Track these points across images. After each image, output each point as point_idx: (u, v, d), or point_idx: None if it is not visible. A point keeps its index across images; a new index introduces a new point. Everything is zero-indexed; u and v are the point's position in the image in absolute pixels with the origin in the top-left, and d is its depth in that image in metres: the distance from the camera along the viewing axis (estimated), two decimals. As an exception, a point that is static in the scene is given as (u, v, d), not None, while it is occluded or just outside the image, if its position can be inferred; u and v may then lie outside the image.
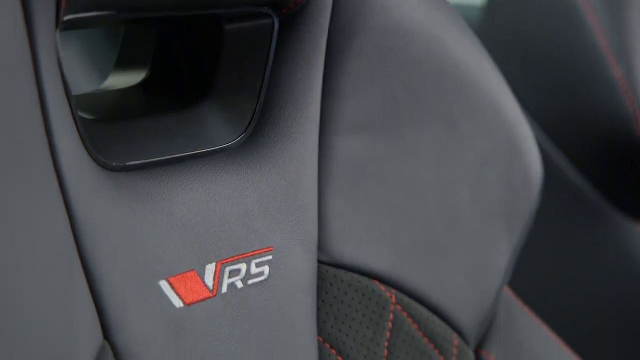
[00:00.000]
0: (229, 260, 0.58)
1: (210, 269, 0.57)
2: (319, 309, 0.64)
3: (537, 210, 0.91)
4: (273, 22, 0.62)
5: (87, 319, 0.50)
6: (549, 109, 1.11)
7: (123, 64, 0.64)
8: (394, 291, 0.67)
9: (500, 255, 0.73)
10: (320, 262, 0.64)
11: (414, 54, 0.68)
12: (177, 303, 0.55)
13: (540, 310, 0.87)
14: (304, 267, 0.62)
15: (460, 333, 0.70)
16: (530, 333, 0.76)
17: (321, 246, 0.64)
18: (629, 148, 1.08)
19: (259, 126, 0.62)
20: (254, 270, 0.59)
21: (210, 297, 0.57)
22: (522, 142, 0.74)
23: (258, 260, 0.60)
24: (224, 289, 0.57)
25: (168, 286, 0.54)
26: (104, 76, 0.65)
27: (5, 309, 0.45)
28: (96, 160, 0.53)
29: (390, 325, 0.67)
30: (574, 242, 1.14)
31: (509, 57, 1.09)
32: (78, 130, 0.52)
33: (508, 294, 0.77)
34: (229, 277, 0.58)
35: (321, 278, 0.64)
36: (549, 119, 1.11)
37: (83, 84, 0.61)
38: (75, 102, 0.52)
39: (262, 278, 0.60)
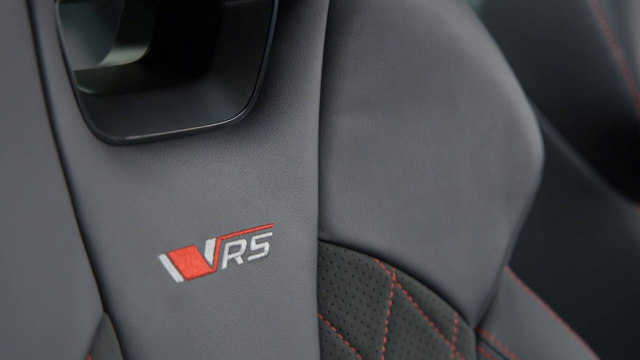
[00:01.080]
0: (229, 236, 0.58)
1: (210, 244, 0.57)
2: (318, 287, 0.64)
3: (538, 193, 0.91)
4: (273, -1, 0.62)
5: (87, 291, 0.50)
6: (549, 93, 1.11)
7: (123, 40, 0.64)
8: (394, 269, 0.67)
9: (500, 234, 0.73)
10: (320, 239, 0.64)
11: (413, 31, 0.67)
12: (177, 277, 0.55)
13: (540, 292, 0.87)
14: (304, 244, 0.62)
15: (460, 312, 0.70)
16: (530, 312, 0.75)
17: (321, 224, 0.64)
18: (629, 131, 1.08)
19: (258, 103, 0.62)
20: (254, 246, 0.59)
21: (210, 273, 0.57)
22: (522, 120, 0.74)
23: (258, 237, 0.60)
24: (224, 265, 0.57)
25: (168, 260, 0.54)
26: (103, 54, 0.65)
27: (4, 280, 0.45)
28: (95, 134, 0.53)
29: (390, 303, 0.67)
30: (573, 225, 1.14)
31: (509, 40, 1.09)
32: (77, 103, 0.52)
33: (508, 274, 0.77)
34: (229, 253, 0.58)
35: (321, 256, 0.64)
36: (549, 102, 1.11)
37: (82, 61, 0.61)
38: (75, 77, 0.52)
39: (262, 254, 0.60)
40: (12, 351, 0.44)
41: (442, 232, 0.69)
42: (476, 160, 0.71)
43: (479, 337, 0.73)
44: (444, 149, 0.69)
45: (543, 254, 1.15)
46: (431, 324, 0.69)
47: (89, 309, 0.50)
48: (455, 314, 0.70)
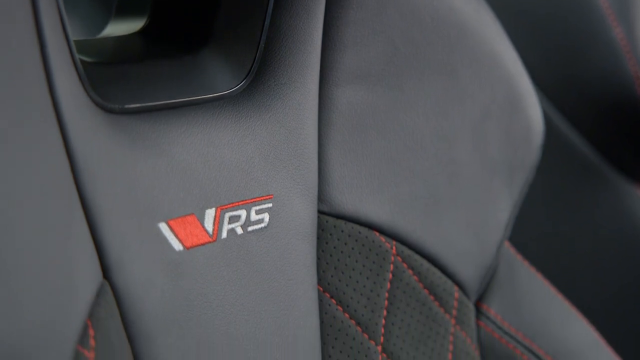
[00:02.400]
0: (229, 206, 0.58)
1: (210, 213, 0.57)
2: (318, 259, 0.64)
3: (538, 172, 0.91)
4: (273, -31, 0.62)
5: (86, 256, 0.50)
6: (549, 71, 1.10)
7: (122, 12, 0.64)
8: (394, 242, 0.67)
9: (500, 208, 0.72)
10: (320, 212, 0.64)
11: (413, 4, 0.67)
12: (177, 246, 0.55)
13: (540, 271, 0.87)
14: (304, 216, 0.62)
15: (460, 285, 0.70)
16: (531, 287, 0.75)
17: (321, 196, 0.64)
18: (629, 109, 1.07)
19: (258, 74, 0.62)
20: (254, 217, 0.59)
21: (209, 242, 0.57)
22: (523, 94, 0.74)
23: (258, 207, 0.59)
24: (224, 234, 0.57)
25: (167, 228, 0.54)
26: (103, 26, 0.65)
27: (3, 245, 0.45)
28: (95, 101, 0.53)
29: (390, 276, 0.66)
30: (573, 204, 1.14)
31: (509, 16, 1.09)
32: (77, 70, 0.52)
33: (509, 249, 0.77)
34: (229, 223, 0.58)
35: (321, 228, 0.64)
36: (548, 81, 1.10)
37: (81, 32, 0.61)
38: (74, 46, 0.52)
39: (262, 225, 0.60)
40: (11, 314, 0.44)
41: (442, 205, 0.69)
42: (477, 134, 0.71)
43: (479, 312, 0.73)
44: (444, 123, 0.69)
45: (543, 233, 1.14)
46: (431, 298, 0.68)
47: (89, 274, 0.50)
48: (456, 287, 0.70)
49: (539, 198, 1.13)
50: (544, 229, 1.15)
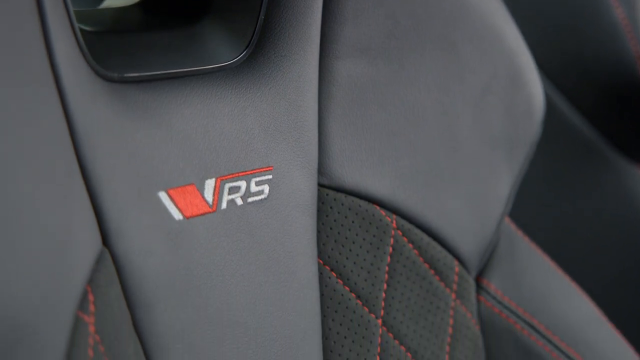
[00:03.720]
0: (229, 176, 0.58)
1: (210, 184, 0.57)
2: (318, 232, 0.64)
3: (538, 154, 0.91)
4: (273, -61, 0.61)
5: (86, 223, 0.50)
6: (549, 51, 1.10)
7: (122, -17, 0.64)
8: (394, 216, 0.67)
9: (501, 183, 0.72)
10: (320, 185, 0.64)
11: (415, -23, 0.67)
12: (176, 215, 0.55)
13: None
14: (304, 188, 0.62)
15: (460, 260, 0.70)
16: (531, 262, 0.75)
17: (321, 169, 0.64)
18: (631, 90, 1.07)
19: (258, 46, 0.62)
20: (254, 188, 0.59)
21: (209, 212, 0.56)
22: (523, 70, 0.73)
23: (258, 179, 0.59)
24: (224, 205, 0.57)
25: (167, 197, 0.54)
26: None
27: (3, 210, 0.45)
28: (94, 70, 0.53)
29: (390, 249, 0.66)
30: (575, 185, 1.14)
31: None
32: (76, 39, 0.52)
33: (509, 225, 0.77)
34: (229, 194, 0.58)
35: (321, 201, 0.64)
36: (549, 61, 1.10)
37: (82, 4, 0.61)
38: (74, 15, 0.52)
39: (262, 197, 0.60)
40: (11, 278, 0.44)
41: (442, 180, 0.69)
42: (477, 109, 0.71)
43: (479, 286, 0.73)
44: (445, 98, 0.69)
45: (543, 215, 1.14)
46: (431, 272, 0.68)
47: (88, 241, 0.50)
48: (456, 262, 0.70)
49: (539, 179, 1.13)
50: (544, 211, 1.15)
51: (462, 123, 0.70)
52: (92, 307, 0.49)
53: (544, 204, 1.15)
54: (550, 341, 0.72)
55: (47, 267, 0.46)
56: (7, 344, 0.44)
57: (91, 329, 0.48)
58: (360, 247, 0.65)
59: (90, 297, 0.49)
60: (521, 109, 0.73)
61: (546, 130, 0.83)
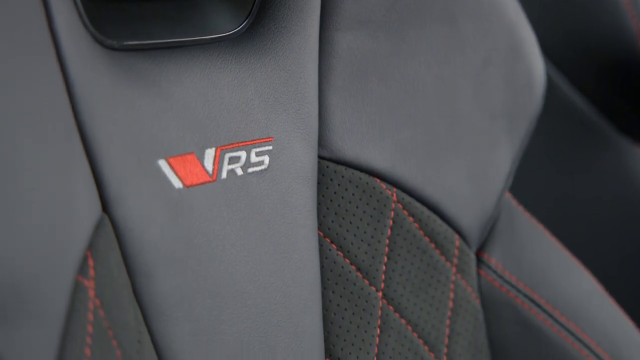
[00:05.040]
0: (229, 146, 0.57)
1: (210, 153, 0.56)
2: (319, 204, 0.64)
3: (538, 133, 0.90)
4: None
5: (85, 189, 0.50)
6: (549, 28, 1.09)
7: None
8: (394, 189, 0.67)
9: (501, 157, 0.72)
10: (320, 157, 0.64)
11: (415, -51, 0.67)
12: (176, 183, 0.54)
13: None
14: (304, 160, 0.62)
15: (461, 234, 0.70)
16: (531, 237, 0.75)
17: (321, 141, 0.64)
18: (632, 69, 1.07)
19: (258, 17, 0.62)
20: (254, 158, 0.59)
21: (209, 182, 0.56)
22: (524, 42, 0.73)
23: (258, 149, 0.59)
24: (224, 175, 0.57)
25: (167, 166, 0.54)
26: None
27: (4, 175, 0.45)
28: (94, 37, 0.53)
29: (390, 222, 0.66)
30: (575, 164, 1.13)
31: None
32: (76, 6, 0.52)
33: (510, 200, 0.77)
34: (229, 164, 0.57)
35: (321, 173, 0.64)
36: (548, 38, 1.09)
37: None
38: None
39: (262, 167, 0.59)
40: (11, 241, 0.44)
41: (443, 153, 0.69)
42: (478, 82, 0.70)
43: (480, 261, 0.73)
44: (445, 71, 0.69)
45: (543, 194, 1.14)
46: (432, 245, 0.68)
47: (88, 206, 0.50)
48: (456, 236, 0.70)
49: (539, 159, 1.12)
50: (544, 190, 1.15)
51: (463, 96, 0.70)
52: (92, 272, 0.49)
53: (544, 183, 1.15)
54: (550, 315, 0.72)
55: (46, 231, 0.46)
56: (8, 306, 0.44)
57: (91, 293, 0.48)
58: (361, 219, 0.65)
59: (90, 262, 0.49)
60: (521, 82, 0.73)
61: (546, 109, 0.83)
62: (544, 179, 1.15)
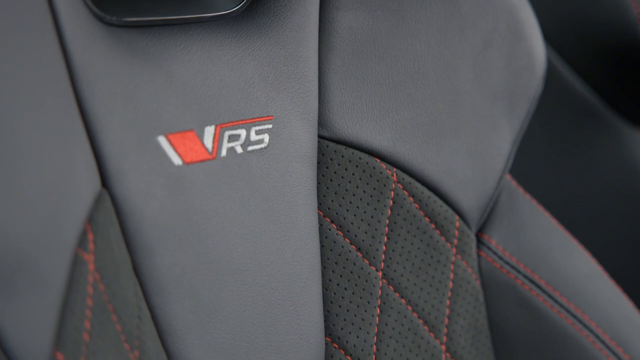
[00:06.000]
0: (228, 124, 0.57)
1: (209, 131, 0.56)
2: (319, 184, 0.64)
3: (536, 116, 0.90)
4: None
5: (85, 163, 0.50)
6: (547, 11, 1.09)
7: None
8: (394, 169, 0.66)
9: (502, 138, 0.72)
10: (320, 136, 0.64)
11: None
12: (176, 160, 0.54)
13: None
14: (304, 139, 0.62)
15: (461, 215, 0.70)
16: (532, 218, 0.75)
17: (321, 121, 0.64)
18: (632, 53, 1.06)
19: (258, -5, 0.62)
20: (254, 137, 0.59)
21: (209, 159, 0.56)
22: (524, 24, 0.73)
23: (258, 128, 0.59)
24: (223, 153, 0.57)
25: (166, 142, 0.54)
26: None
27: (4, 146, 0.45)
28: (93, 13, 0.53)
29: (391, 203, 0.66)
30: (575, 148, 1.13)
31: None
32: (75, -19, 0.52)
33: (510, 181, 0.76)
34: (229, 142, 0.57)
35: (321, 153, 0.64)
36: (546, 21, 1.08)
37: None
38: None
39: (262, 145, 0.59)
40: (11, 212, 0.44)
41: (443, 134, 0.69)
42: (478, 62, 0.70)
43: (480, 242, 0.72)
44: (445, 51, 0.69)
45: (542, 178, 1.14)
46: (432, 226, 0.68)
47: (87, 180, 0.49)
48: (457, 216, 0.70)
49: (537, 142, 1.12)
50: (543, 174, 1.14)
51: (463, 76, 0.69)
52: (91, 246, 0.49)
53: (541, 166, 1.14)
54: (550, 296, 0.71)
55: (46, 202, 0.46)
56: (8, 272, 0.44)
57: (91, 266, 0.48)
58: (361, 199, 0.65)
59: (90, 236, 0.49)
60: (522, 63, 0.73)
61: (545, 93, 0.82)
62: (542, 163, 1.15)
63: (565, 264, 0.73)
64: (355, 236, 0.64)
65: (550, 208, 1.03)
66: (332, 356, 0.63)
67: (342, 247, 0.64)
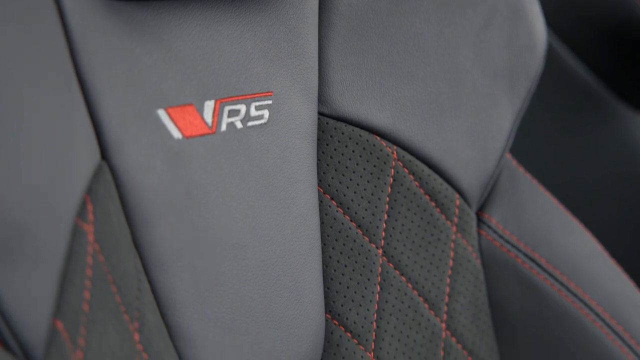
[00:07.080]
0: (228, 99, 0.57)
1: (209, 105, 0.56)
2: (319, 160, 0.64)
3: (536, 99, 0.90)
4: None
5: (84, 134, 0.50)
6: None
7: None
8: (395, 147, 0.66)
9: (502, 116, 0.72)
10: (320, 113, 0.64)
11: None
12: (176, 134, 0.54)
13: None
14: (304, 115, 0.62)
15: (461, 193, 0.70)
16: (532, 197, 0.75)
17: (322, 98, 0.64)
18: (632, 34, 1.06)
19: (258, -30, 0.61)
20: (254, 112, 0.59)
21: (209, 134, 0.56)
22: (525, 3, 0.73)
23: (258, 104, 0.59)
24: (223, 127, 0.57)
25: (166, 116, 0.54)
26: None
27: (4, 117, 0.45)
28: (92, -14, 0.52)
29: (391, 180, 0.66)
30: (576, 131, 1.13)
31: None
32: (74, -46, 0.52)
33: (511, 160, 0.76)
34: (228, 117, 0.57)
35: (321, 130, 0.64)
36: (549, 5, 1.09)
37: None
38: None
39: (262, 121, 0.59)
40: (10, 182, 0.44)
41: (443, 112, 0.68)
42: (479, 41, 0.70)
43: (480, 220, 0.72)
44: (446, 29, 0.68)
45: (546, 163, 1.14)
46: (432, 204, 0.68)
47: (87, 152, 0.49)
48: (457, 195, 0.70)
49: (537, 125, 1.12)
50: (543, 157, 1.14)
51: (463, 54, 0.69)
52: (91, 217, 0.48)
53: (542, 149, 1.14)
54: (551, 274, 0.71)
55: (45, 172, 0.46)
56: (8, 242, 0.44)
57: (90, 237, 0.48)
58: (361, 177, 0.65)
59: (89, 207, 0.48)
60: (523, 42, 0.73)
61: (545, 74, 0.82)
62: (542, 146, 1.14)
63: (565, 243, 0.73)
64: (356, 213, 0.64)
65: (550, 190, 1.03)
66: (332, 333, 0.63)
67: (342, 224, 0.64)
